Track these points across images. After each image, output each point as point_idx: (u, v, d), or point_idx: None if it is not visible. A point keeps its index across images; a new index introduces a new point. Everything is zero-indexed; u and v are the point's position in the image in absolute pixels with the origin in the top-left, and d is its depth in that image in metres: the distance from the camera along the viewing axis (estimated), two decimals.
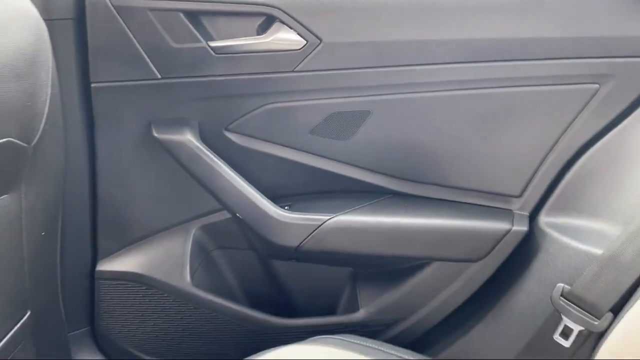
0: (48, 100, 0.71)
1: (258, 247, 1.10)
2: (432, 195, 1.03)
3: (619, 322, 0.82)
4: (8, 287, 0.76)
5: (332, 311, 1.11)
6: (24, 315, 0.80)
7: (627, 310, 0.82)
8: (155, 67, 0.94)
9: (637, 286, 0.82)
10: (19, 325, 0.79)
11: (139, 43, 0.92)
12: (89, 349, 1.16)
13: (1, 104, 0.60)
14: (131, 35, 0.91)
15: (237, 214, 1.00)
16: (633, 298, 0.82)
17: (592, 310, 0.87)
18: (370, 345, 0.98)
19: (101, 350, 1.16)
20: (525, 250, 0.99)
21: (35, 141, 0.70)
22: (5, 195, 0.70)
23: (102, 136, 0.99)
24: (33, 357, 0.85)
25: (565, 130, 0.96)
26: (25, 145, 0.68)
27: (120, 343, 1.13)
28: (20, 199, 0.73)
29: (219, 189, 0.99)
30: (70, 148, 0.95)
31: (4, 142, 0.63)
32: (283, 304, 1.13)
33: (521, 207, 1.01)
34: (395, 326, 1.06)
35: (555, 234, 0.97)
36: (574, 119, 0.95)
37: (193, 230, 1.09)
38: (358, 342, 0.97)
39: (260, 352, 0.91)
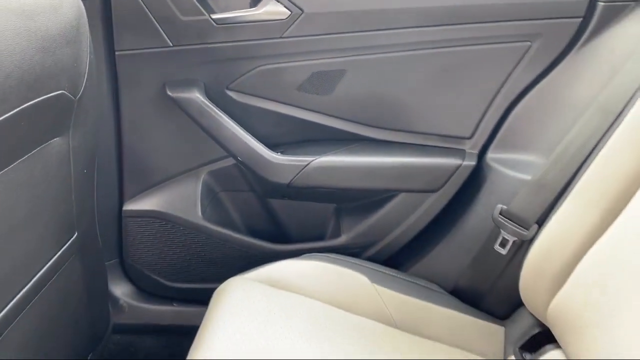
0: (88, 63, 0.89)
1: (257, 187, 1.28)
2: (398, 139, 1.20)
3: (542, 231, 1.02)
4: (61, 211, 0.94)
5: (319, 239, 1.29)
6: (73, 235, 0.99)
7: (548, 221, 1.01)
8: (167, 36, 1.10)
9: (556, 202, 1.01)
10: (69, 242, 0.97)
11: (154, 17, 1.09)
12: (119, 278, 1.35)
13: (58, 64, 0.77)
14: (147, 11, 1.08)
15: (239, 158, 1.18)
16: (552, 211, 1.01)
17: (522, 223, 1.06)
18: (352, 261, 1.17)
19: (129, 278, 1.35)
20: (474, 181, 1.17)
21: (79, 95, 0.88)
22: (58, 138, 0.88)
23: (125, 95, 1.16)
24: (79, 272, 1.04)
25: (504, 82, 1.12)
26: (72, 97, 0.86)
27: (145, 271, 1.31)
28: (68, 141, 0.91)
29: (224, 137, 1.17)
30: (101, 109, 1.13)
31: (59, 94, 0.81)
32: (279, 234, 1.31)
33: (472, 147, 1.18)
34: (371, 247, 1.24)
35: (498, 166, 1.15)
36: (511, 72, 1.12)
37: (202, 175, 1.26)
38: (341, 258, 1.17)
39: (262, 265, 1.10)
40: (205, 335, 0.92)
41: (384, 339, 1.01)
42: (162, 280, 1.32)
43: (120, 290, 1.33)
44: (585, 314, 0.88)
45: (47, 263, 0.91)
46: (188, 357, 0.87)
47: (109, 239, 1.29)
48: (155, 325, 1.34)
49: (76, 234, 0.99)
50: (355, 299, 1.08)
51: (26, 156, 0.80)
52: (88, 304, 1.10)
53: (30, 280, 0.87)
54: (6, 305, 0.81)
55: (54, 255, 0.93)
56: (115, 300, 1.33)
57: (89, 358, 1.17)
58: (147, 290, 1.34)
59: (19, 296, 0.84)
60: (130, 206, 1.26)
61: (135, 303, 1.33)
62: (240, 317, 0.95)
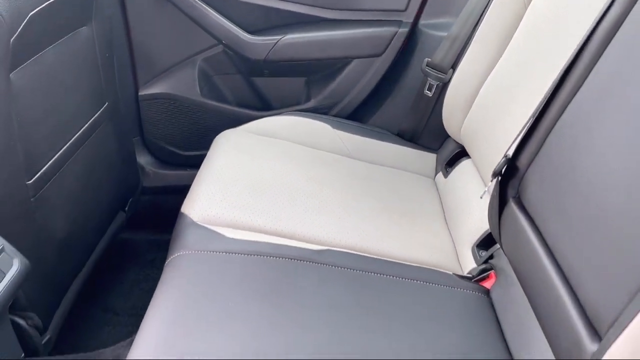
0: None
1: (242, 68, 1.57)
2: (348, 17, 1.46)
3: (455, 73, 1.31)
4: (94, 83, 1.25)
5: (294, 105, 1.59)
6: (104, 103, 1.30)
7: (459, 65, 1.30)
8: None
9: (464, 49, 1.30)
10: (102, 109, 1.29)
11: None
12: (142, 151, 1.66)
13: None
14: None
15: (223, 42, 1.47)
16: (461, 57, 1.30)
17: (442, 69, 1.35)
18: (319, 116, 1.48)
19: (150, 150, 1.66)
20: (410, 44, 1.45)
21: None
22: (84, 27, 1.18)
23: (129, 2, 1.44)
24: (111, 134, 1.36)
25: None
26: None
27: (161, 144, 1.63)
28: (92, 29, 1.20)
29: (210, 26, 1.45)
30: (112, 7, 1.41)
31: None
32: (262, 105, 1.61)
33: (407, 17, 1.44)
34: (336, 107, 1.53)
35: (427, 30, 1.43)
36: None
37: (198, 62, 1.55)
38: (311, 114, 1.48)
39: (251, 122, 1.42)
40: (210, 162, 1.24)
41: (342, 164, 1.34)
42: (175, 150, 1.64)
43: (144, 160, 1.66)
44: (481, 126, 1.19)
45: (88, 120, 1.22)
46: (199, 172, 1.20)
47: (131, 120, 1.60)
48: (175, 186, 1.67)
49: (106, 103, 1.31)
50: (320, 140, 1.40)
51: (66, 37, 1.10)
52: (121, 161, 1.43)
53: (78, 131, 1.18)
54: (63, 147, 1.12)
55: (93, 116, 1.24)
56: (141, 168, 1.66)
57: (126, 209, 1.52)
58: (165, 159, 1.66)
59: (71, 142, 1.14)
60: (144, 91, 1.56)
61: (157, 170, 1.66)
62: (233, 152, 1.28)
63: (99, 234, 1.33)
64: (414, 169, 1.40)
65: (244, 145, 1.30)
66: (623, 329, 0.54)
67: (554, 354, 0.68)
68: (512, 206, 0.86)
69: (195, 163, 1.66)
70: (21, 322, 0.98)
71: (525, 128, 0.85)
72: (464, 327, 0.85)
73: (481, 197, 0.97)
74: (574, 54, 0.79)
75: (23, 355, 0.99)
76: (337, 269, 0.91)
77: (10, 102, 0.93)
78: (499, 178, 0.87)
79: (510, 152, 0.87)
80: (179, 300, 0.81)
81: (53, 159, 1.08)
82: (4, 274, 0.83)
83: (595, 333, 0.60)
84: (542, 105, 0.82)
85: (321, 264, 0.92)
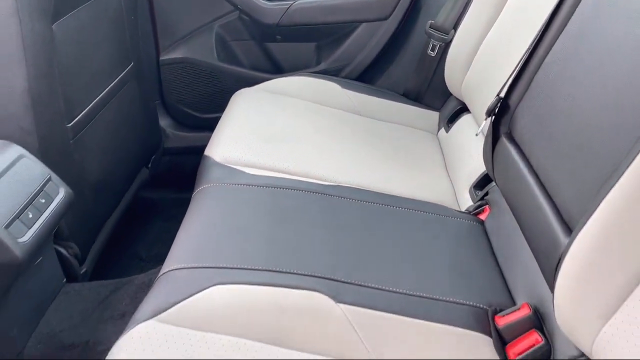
0: None
1: (256, 34, 1.67)
2: None
3: (457, 32, 1.40)
4: (121, 43, 1.35)
5: (305, 68, 1.69)
6: (130, 63, 1.41)
7: (460, 24, 1.39)
8: None
9: (464, 10, 1.38)
10: (128, 68, 1.39)
11: None
12: (163, 114, 1.76)
13: None
14: None
15: (239, 7, 1.57)
16: (462, 17, 1.39)
17: (444, 30, 1.44)
18: (331, 77, 1.58)
19: (170, 114, 1.77)
20: (416, 8, 1.54)
21: None
22: None
23: None
24: (137, 93, 1.46)
25: None
26: None
27: (181, 107, 1.74)
28: None
29: None
30: None
31: None
32: (275, 69, 1.71)
33: None
34: (345, 69, 1.63)
35: None
36: None
37: (215, 28, 1.66)
38: (321, 75, 1.57)
39: (265, 82, 1.51)
40: (229, 114, 1.35)
41: (350, 119, 1.43)
42: (195, 113, 1.74)
43: (165, 122, 1.76)
44: (480, 81, 1.28)
45: (117, 77, 1.33)
46: (220, 121, 1.30)
47: (152, 84, 1.71)
48: (194, 147, 1.75)
49: (132, 63, 1.41)
50: (329, 98, 1.49)
51: None
52: (144, 120, 1.54)
53: (109, 85, 1.29)
54: (96, 97, 1.23)
55: (120, 74, 1.35)
56: (162, 130, 1.77)
57: (149, 166, 1.63)
58: (185, 122, 1.77)
59: (102, 94, 1.25)
60: (165, 56, 1.67)
61: (177, 132, 1.76)
62: (250, 106, 1.38)
63: (127, 183, 1.44)
64: (418, 125, 1.49)
65: (259, 101, 1.41)
66: (588, 218, 0.63)
67: (535, 257, 0.78)
68: (504, 141, 0.95)
69: (212, 125, 1.76)
70: (63, 250, 1.09)
71: (516, 70, 0.94)
72: (458, 244, 0.95)
73: (476, 135, 1.06)
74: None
75: (65, 280, 1.11)
76: (345, 199, 1.02)
77: (53, 50, 1.03)
78: (493, 117, 0.96)
79: (503, 93, 0.97)
80: (206, 220, 0.91)
81: (88, 107, 1.19)
82: (52, 199, 0.94)
83: (568, 229, 0.70)
84: (532, 48, 0.92)
85: (330, 195, 1.02)
